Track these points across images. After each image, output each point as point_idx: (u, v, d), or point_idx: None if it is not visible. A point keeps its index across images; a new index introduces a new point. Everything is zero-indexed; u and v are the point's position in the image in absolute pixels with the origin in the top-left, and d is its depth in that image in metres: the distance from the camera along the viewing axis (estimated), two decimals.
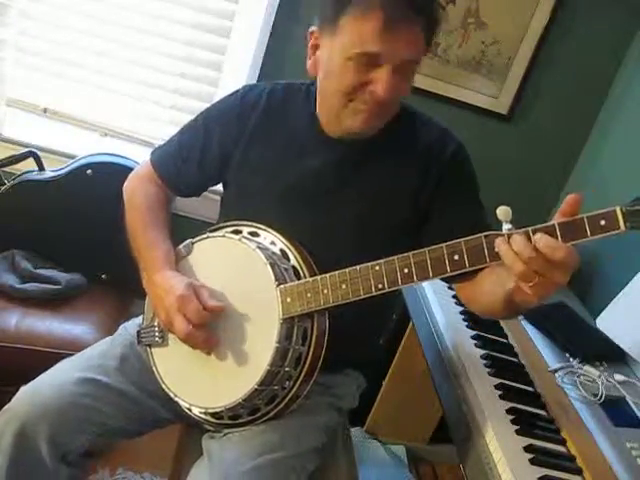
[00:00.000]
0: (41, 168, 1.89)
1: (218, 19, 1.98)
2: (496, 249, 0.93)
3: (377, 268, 1.05)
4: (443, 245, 0.99)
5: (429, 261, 1.00)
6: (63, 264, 1.89)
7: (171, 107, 2.07)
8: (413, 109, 1.29)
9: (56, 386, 1.23)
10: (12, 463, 1.19)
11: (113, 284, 1.95)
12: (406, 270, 1.03)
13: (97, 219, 1.86)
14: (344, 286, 1.08)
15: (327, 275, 1.10)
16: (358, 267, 1.07)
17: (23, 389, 1.25)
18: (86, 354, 1.33)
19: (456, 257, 0.98)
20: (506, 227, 0.94)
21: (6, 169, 1.88)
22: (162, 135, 2.06)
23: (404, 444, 2.17)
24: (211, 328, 1.17)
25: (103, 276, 1.95)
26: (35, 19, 1.94)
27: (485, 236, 0.96)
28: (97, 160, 1.90)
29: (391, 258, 1.04)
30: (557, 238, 0.89)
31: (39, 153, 1.89)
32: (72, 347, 1.68)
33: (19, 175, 1.87)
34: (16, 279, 1.80)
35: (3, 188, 1.85)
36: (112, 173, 1.86)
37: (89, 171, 1.88)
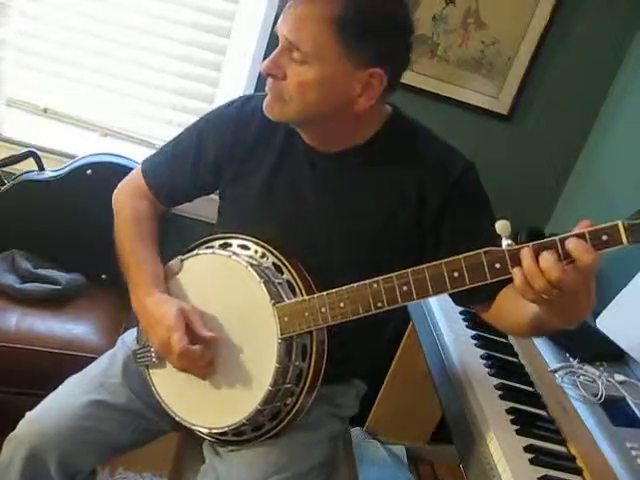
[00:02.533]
0: (41, 168, 1.89)
1: (218, 19, 1.98)
2: (522, 259, 0.90)
3: (375, 286, 1.03)
4: (442, 262, 0.97)
5: (428, 279, 0.99)
6: (63, 264, 1.88)
7: (171, 107, 2.06)
8: (419, 125, 1.24)
9: (62, 411, 1.23)
10: None
11: (113, 284, 1.94)
12: (405, 288, 1.01)
13: (97, 219, 1.84)
14: (342, 304, 1.06)
15: (324, 294, 1.08)
16: (355, 285, 1.05)
17: (29, 415, 1.25)
18: (89, 373, 1.33)
19: (456, 274, 0.96)
20: (505, 243, 0.93)
21: (6, 169, 1.88)
22: (162, 135, 2.07)
23: (404, 444, 2.17)
24: (206, 357, 1.15)
25: (103, 276, 1.95)
26: (35, 19, 1.94)
27: (485, 252, 0.94)
28: (97, 160, 1.90)
29: (389, 275, 1.02)
30: (559, 255, 0.89)
31: (39, 153, 1.89)
32: (72, 347, 1.68)
33: (19, 175, 1.87)
34: (16, 279, 1.80)
35: (3, 188, 1.85)
36: (112, 173, 1.86)
37: (89, 171, 1.87)
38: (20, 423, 1.25)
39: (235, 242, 1.21)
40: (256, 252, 1.19)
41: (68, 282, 1.82)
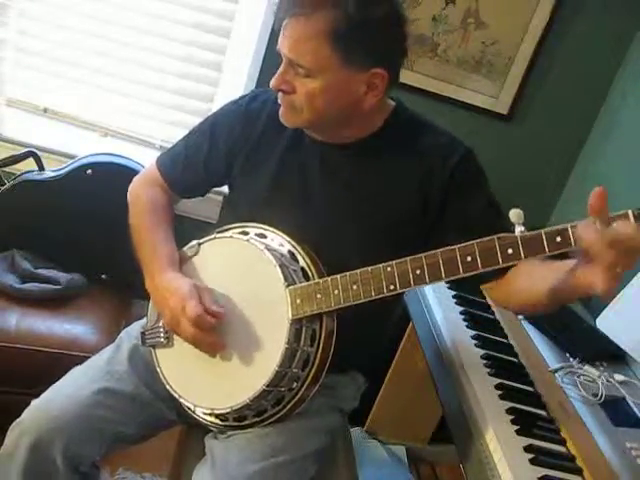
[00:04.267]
0: (41, 168, 1.89)
1: (218, 19, 1.98)
2: (582, 235, 0.89)
3: (389, 269, 1.06)
4: (456, 247, 1.00)
5: (441, 263, 1.01)
6: (63, 264, 1.88)
7: (171, 107, 2.06)
8: (420, 117, 1.29)
9: (69, 399, 1.24)
10: (27, 475, 1.20)
11: (113, 284, 1.95)
12: (418, 271, 1.04)
13: (97, 219, 1.86)
14: (355, 287, 1.09)
15: (337, 276, 1.11)
16: (369, 268, 1.08)
17: (35, 403, 1.26)
18: (94, 363, 1.33)
19: (469, 259, 0.99)
20: (519, 229, 0.96)
21: (6, 169, 1.88)
22: (162, 135, 2.07)
23: (404, 444, 2.17)
24: (218, 329, 1.17)
25: (103, 276, 1.95)
26: (35, 19, 1.94)
27: (498, 238, 0.97)
28: (97, 160, 1.90)
29: (403, 259, 1.05)
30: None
31: (39, 153, 1.89)
32: (72, 347, 1.68)
33: (19, 175, 1.87)
34: (16, 279, 1.80)
35: (3, 188, 1.85)
36: (112, 173, 1.87)
37: (89, 171, 1.87)
38: (25, 411, 1.25)
39: (253, 230, 1.24)
40: (273, 240, 1.21)
41: (68, 282, 1.82)
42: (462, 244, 1.00)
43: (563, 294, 1.03)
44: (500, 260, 0.97)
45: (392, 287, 1.06)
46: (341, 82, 1.13)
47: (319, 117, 1.18)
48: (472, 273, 1.00)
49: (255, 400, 1.13)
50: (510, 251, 0.96)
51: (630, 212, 0.88)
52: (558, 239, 0.92)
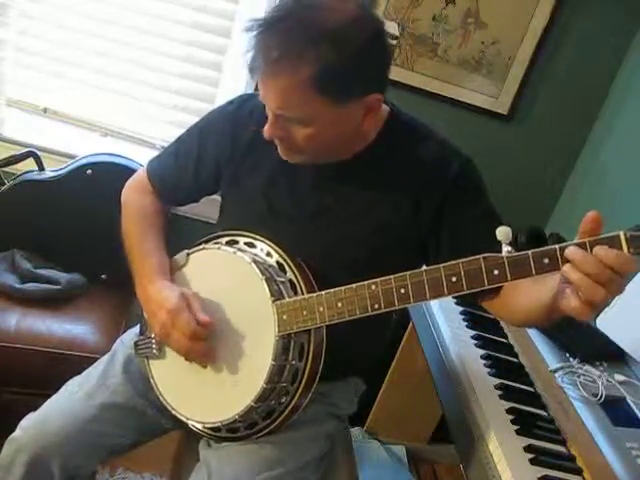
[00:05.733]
0: (41, 168, 1.89)
1: (218, 19, 1.98)
2: (568, 256, 0.87)
3: (373, 287, 1.03)
4: (441, 266, 0.97)
5: (426, 282, 0.99)
6: (63, 264, 1.88)
7: (171, 107, 2.06)
8: (416, 123, 1.23)
9: (65, 415, 1.24)
10: None
11: (113, 284, 1.95)
12: (402, 290, 1.01)
13: (97, 219, 1.86)
14: (340, 304, 1.07)
15: (323, 293, 1.09)
16: (354, 285, 1.05)
17: (31, 419, 1.26)
18: (90, 375, 1.33)
19: (454, 279, 0.96)
20: (505, 249, 0.93)
21: (6, 169, 1.88)
22: (162, 135, 2.07)
23: (404, 444, 2.17)
24: (208, 341, 1.16)
25: (103, 276, 1.95)
26: (35, 19, 1.94)
27: (484, 258, 0.94)
28: (97, 160, 1.90)
29: (387, 277, 1.02)
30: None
31: (39, 153, 1.89)
32: (72, 347, 1.69)
33: (19, 175, 1.87)
34: (16, 279, 1.80)
35: (3, 188, 1.85)
36: (112, 173, 1.87)
37: (89, 171, 1.87)
38: (22, 426, 1.25)
39: (242, 240, 1.22)
40: (262, 250, 1.20)
41: (68, 282, 1.82)
42: (447, 263, 0.97)
43: (558, 310, 1.00)
44: (486, 281, 0.94)
45: (376, 306, 1.04)
46: (338, 119, 1.08)
47: (321, 153, 1.15)
48: (458, 294, 0.97)
49: (244, 415, 1.13)
50: (496, 272, 0.93)
51: (622, 234, 0.84)
52: (546, 261, 0.90)
